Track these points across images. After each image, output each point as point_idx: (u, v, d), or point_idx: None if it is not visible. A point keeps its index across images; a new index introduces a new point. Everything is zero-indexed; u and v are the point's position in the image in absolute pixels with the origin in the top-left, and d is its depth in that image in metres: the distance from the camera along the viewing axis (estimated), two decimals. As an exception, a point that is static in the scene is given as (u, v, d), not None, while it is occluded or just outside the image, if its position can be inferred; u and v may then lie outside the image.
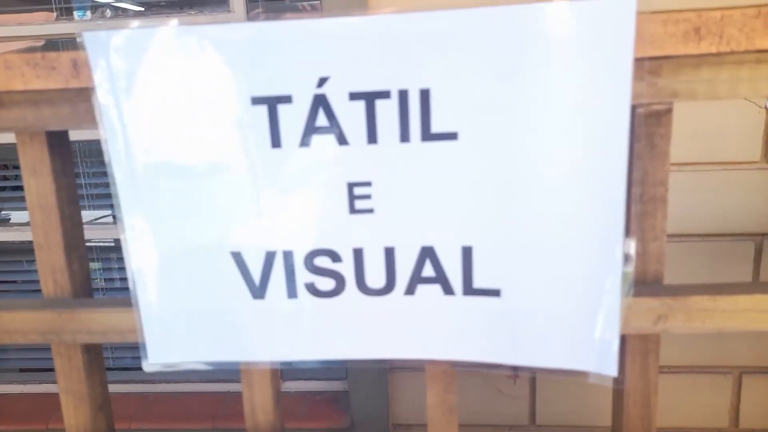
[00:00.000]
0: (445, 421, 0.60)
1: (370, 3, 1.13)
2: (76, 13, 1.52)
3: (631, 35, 0.43)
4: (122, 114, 0.49)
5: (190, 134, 0.50)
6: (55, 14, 1.52)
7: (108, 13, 1.59)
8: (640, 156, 0.52)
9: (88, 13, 1.55)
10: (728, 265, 1.20)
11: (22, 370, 1.59)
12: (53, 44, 1.38)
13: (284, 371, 1.35)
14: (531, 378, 1.33)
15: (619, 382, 0.52)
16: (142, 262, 0.54)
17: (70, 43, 1.37)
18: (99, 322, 0.57)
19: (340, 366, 1.28)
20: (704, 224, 1.18)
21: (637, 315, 0.53)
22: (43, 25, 1.32)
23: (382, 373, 1.25)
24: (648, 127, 0.52)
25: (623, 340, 0.56)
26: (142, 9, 1.56)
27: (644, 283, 0.55)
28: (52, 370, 0.60)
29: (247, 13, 1.24)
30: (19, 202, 1.47)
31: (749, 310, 0.52)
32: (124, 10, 1.59)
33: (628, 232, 0.53)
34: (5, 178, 1.54)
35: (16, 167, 1.39)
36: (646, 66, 0.46)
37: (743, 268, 1.20)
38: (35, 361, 1.54)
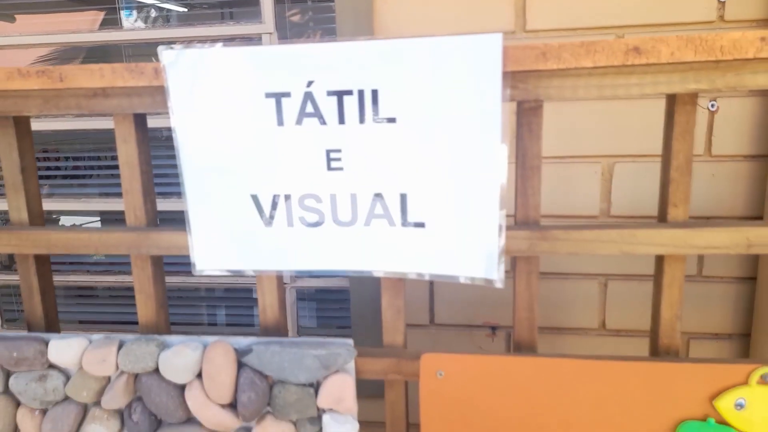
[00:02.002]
0: (394, 319, 0.87)
1: (375, 4, 1.39)
2: (122, 13, 1.76)
3: (499, 57, 0.69)
4: (185, 104, 0.78)
5: (226, 118, 0.78)
6: (102, 14, 1.78)
7: (153, 12, 1.82)
8: (521, 137, 0.78)
9: (134, 12, 1.79)
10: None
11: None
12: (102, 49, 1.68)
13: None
14: (507, 336, 1.59)
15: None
16: (193, 203, 0.82)
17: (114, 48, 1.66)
18: (163, 241, 0.86)
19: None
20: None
21: (518, 242, 0.78)
22: (92, 33, 1.62)
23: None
24: (527, 117, 0.78)
25: (514, 262, 0.82)
26: (185, 9, 1.79)
27: (526, 223, 0.80)
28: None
29: (276, 22, 1.52)
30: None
31: (593, 240, 0.77)
32: (168, 10, 1.84)
33: (516, 192, 0.79)
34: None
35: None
36: (516, 77, 0.72)
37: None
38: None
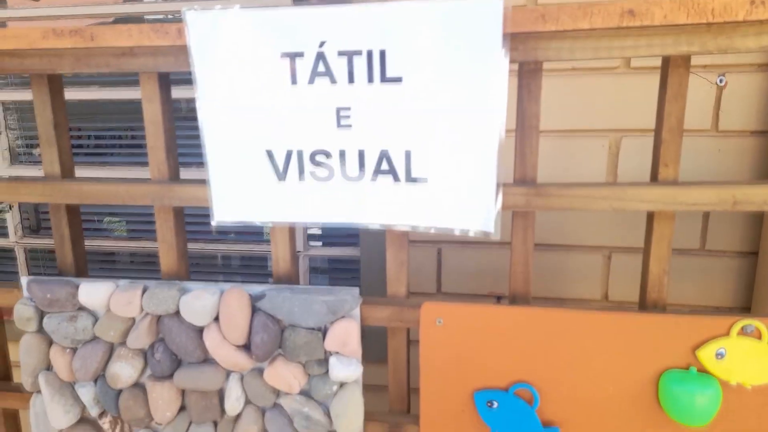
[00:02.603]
0: (397, 271, 0.93)
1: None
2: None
3: (500, 19, 0.73)
4: (205, 63, 0.83)
5: (244, 76, 0.84)
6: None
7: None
8: (521, 99, 0.83)
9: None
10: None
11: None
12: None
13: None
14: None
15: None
16: (213, 158, 0.88)
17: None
18: (185, 193, 0.92)
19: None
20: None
21: (515, 198, 0.83)
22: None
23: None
24: (527, 78, 0.82)
25: (513, 217, 0.87)
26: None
27: (523, 181, 0.85)
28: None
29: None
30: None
31: (586, 196, 0.82)
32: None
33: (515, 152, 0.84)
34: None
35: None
36: (516, 38, 0.76)
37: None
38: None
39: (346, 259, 1.76)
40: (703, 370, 0.81)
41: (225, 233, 1.95)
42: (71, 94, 1.73)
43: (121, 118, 1.89)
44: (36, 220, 2.05)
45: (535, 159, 0.84)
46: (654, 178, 0.83)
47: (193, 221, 1.84)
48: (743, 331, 0.80)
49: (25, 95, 1.84)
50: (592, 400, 0.86)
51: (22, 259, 1.99)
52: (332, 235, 1.81)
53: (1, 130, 1.90)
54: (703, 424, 0.81)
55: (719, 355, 0.80)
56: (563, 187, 0.82)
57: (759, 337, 0.80)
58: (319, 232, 1.82)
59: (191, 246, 1.76)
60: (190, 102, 1.75)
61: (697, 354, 0.81)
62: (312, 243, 1.79)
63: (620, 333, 0.84)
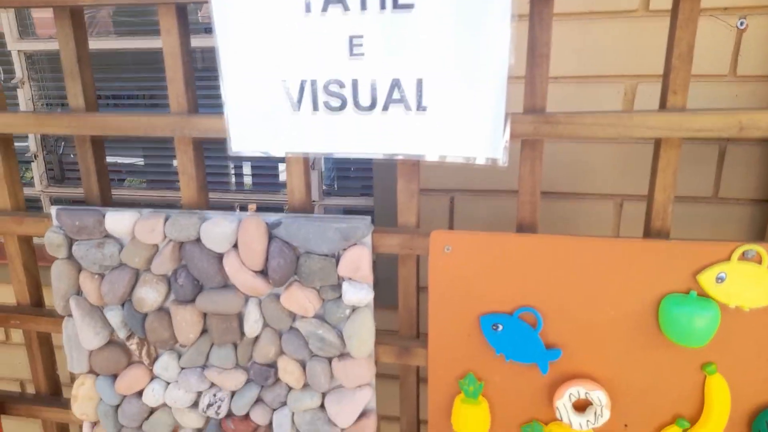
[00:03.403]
0: (408, 201, 0.96)
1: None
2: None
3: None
4: (221, -8, 0.86)
5: (259, 6, 0.86)
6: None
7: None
8: (532, 27, 0.83)
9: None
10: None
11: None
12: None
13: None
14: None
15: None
16: (230, 88, 0.91)
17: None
18: (203, 124, 0.95)
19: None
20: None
21: (524, 126, 0.85)
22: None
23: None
24: (539, 6, 0.82)
25: (521, 147, 0.89)
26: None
27: (533, 110, 0.87)
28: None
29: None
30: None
31: (593, 124, 0.83)
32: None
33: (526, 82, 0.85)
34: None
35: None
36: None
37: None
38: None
39: (361, 209, 1.80)
40: (703, 294, 0.84)
41: (242, 185, 1.99)
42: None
43: (140, 68, 1.92)
44: (60, 170, 2.12)
45: (544, 88, 0.85)
46: (663, 105, 0.84)
47: (212, 171, 1.89)
48: (744, 256, 0.82)
49: (47, 45, 1.88)
50: (594, 324, 0.89)
51: (47, 208, 2.07)
52: (347, 187, 1.85)
53: (25, 80, 1.94)
54: (700, 345, 0.84)
55: (719, 279, 0.83)
56: (571, 115, 0.84)
57: (759, 261, 0.82)
58: (335, 185, 1.85)
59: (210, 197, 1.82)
60: (205, 52, 1.78)
61: (698, 278, 0.84)
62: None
63: (623, 259, 0.86)
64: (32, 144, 2.02)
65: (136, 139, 1.93)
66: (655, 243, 0.85)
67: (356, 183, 1.83)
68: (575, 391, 0.90)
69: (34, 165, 2.06)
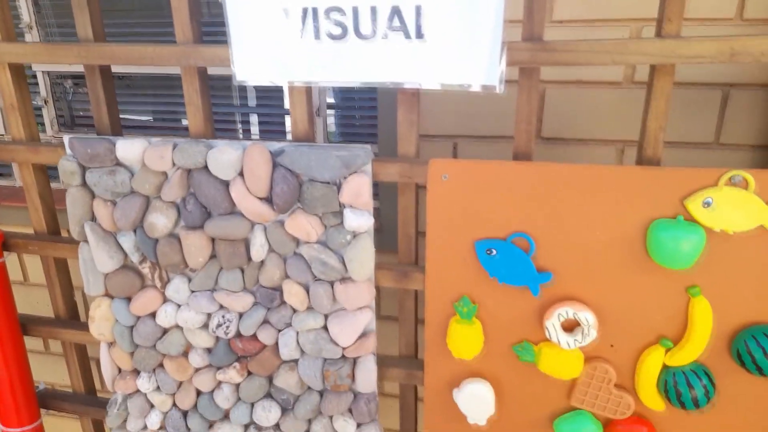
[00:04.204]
0: (407, 131, 0.99)
1: None
2: None
3: None
4: None
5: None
6: None
7: None
8: (531, -48, 0.84)
9: None
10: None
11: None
12: None
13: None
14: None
15: (504, 94, 0.87)
16: (233, 17, 0.93)
17: None
18: (208, 54, 0.98)
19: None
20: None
21: (521, 53, 0.87)
22: None
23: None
24: (537, -69, 0.83)
25: (519, 76, 0.91)
26: None
27: (530, 38, 0.88)
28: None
29: None
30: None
31: (588, 51, 0.85)
32: None
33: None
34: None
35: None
36: None
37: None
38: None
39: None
40: (690, 219, 0.87)
41: (249, 132, 2.02)
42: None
43: (144, 13, 1.92)
44: (70, 116, 2.15)
45: (542, 15, 0.87)
46: (658, 34, 0.85)
47: (219, 119, 1.91)
48: (731, 182, 0.85)
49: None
50: (584, 248, 0.93)
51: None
52: (352, 134, 1.87)
53: (33, 25, 1.95)
54: (685, 267, 0.88)
55: (706, 204, 0.86)
56: (567, 43, 0.85)
57: (746, 187, 0.85)
58: (338, 133, 1.87)
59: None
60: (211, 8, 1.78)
61: (685, 203, 0.87)
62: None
63: (614, 186, 0.89)
64: (42, 90, 2.05)
65: (146, 94, 1.96)
66: (645, 170, 0.88)
67: (361, 131, 1.85)
68: (564, 311, 0.94)
69: (44, 111, 2.09)
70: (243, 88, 1.93)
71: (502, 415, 1.06)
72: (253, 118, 1.99)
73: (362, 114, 1.83)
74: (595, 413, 1.01)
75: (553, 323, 0.95)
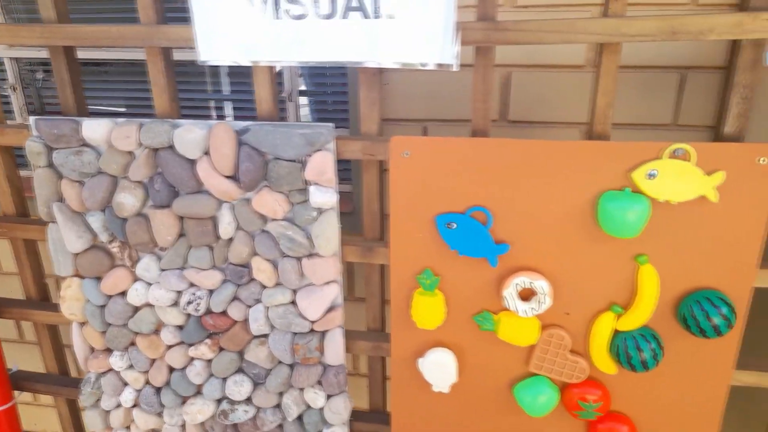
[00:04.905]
0: (369, 110, 1.02)
1: None
2: None
3: None
4: None
5: None
6: None
7: None
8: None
9: None
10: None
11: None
12: None
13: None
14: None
15: (460, 72, 0.91)
16: (197, 1, 0.95)
17: None
18: (172, 34, 0.99)
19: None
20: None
21: (475, 33, 0.90)
22: None
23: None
24: None
25: (475, 55, 0.94)
26: None
27: (484, 18, 0.91)
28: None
29: None
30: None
31: (538, 30, 0.89)
32: None
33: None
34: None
35: None
36: None
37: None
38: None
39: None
40: (636, 190, 0.92)
41: (224, 119, 2.02)
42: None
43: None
44: (39, 103, 2.13)
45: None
46: (605, 14, 0.89)
47: (191, 105, 1.91)
48: (674, 154, 0.90)
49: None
50: (539, 220, 0.98)
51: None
52: (325, 119, 1.88)
53: (-3, 9, 1.93)
54: (632, 236, 0.93)
55: (651, 176, 0.91)
56: (518, 22, 0.89)
57: (687, 159, 0.90)
58: (310, 118, 1.89)
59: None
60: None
61: (631, 175, 0.92)
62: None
63: (566, 160, 0.94)
64: (10, 77, 2.03)
65: (125, 80, 1.95)
66: (594, 144, 0.93)
67: (334, 116, 1.87)
68: (520, 281, 0.99)
69: (13, 98, 2.07)
70: (216, 74, 1.94)
71: (464, 383, 1.10)
72: (228, 109, 2.00)
73: (335, 99, 1.85)
74: (552, 378, 1.06)
75: (510, 292, 1.00)
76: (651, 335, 0.99)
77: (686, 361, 1.01)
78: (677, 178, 0.90)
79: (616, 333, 1.01)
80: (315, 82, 1.85)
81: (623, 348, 0.99)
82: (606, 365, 1.03)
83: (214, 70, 1.95)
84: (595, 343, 1.02)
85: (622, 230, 0.92)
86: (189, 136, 1.00)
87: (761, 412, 1.17)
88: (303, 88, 1.84)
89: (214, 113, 2.02)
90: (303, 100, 1.89)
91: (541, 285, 0.98)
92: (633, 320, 0.98)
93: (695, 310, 0.94)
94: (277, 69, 1.89)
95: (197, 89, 1.92)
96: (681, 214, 0.92)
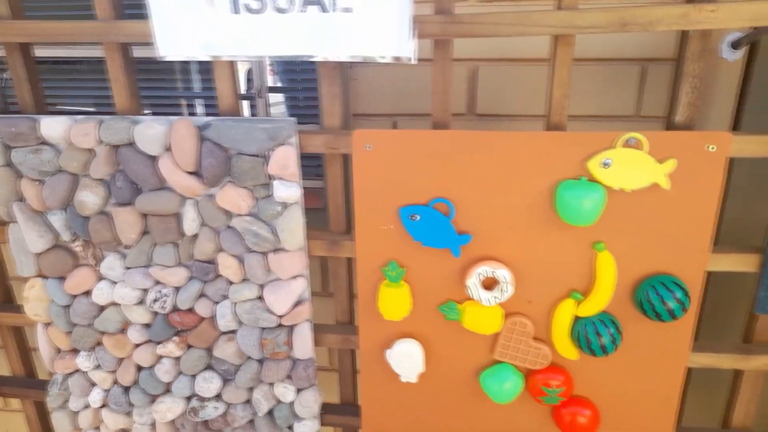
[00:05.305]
0: (331, 104, 1.02)
1: None
2: None
3: None
4: None
5: None
6: None
7: None
8: (438, -73, 0.88)
9: None
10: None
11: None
12: None
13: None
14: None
15: (418, 65, 0.92)
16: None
17: None
18: (129, 29, 0.98)
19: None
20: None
21: (432, 26, 0.91)
22: None
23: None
24: None
25: (433, 48, 0.96)
26: None
27: (441, 11, 0.93)
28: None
29: None
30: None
31: (495, 23, 0.90)
32: None
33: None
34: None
35: None
36: None
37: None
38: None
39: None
40: (592, 179, 0.95)
41: (195, 116, 2.00)
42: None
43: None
44: (3, 102, 2.08)
45: (451, -10, 0.91)
46: (558, 6, 0.91)
47: (162, 102, 1.89)
48: (627, 143, 0.92)
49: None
50: (500, 211, 0.99)
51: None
52: (298, 115, 1.88)
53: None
54: (588, 224, 0.95)
55: (605, 165, 0.93)
56: (474, 15, 0.90)
57: (640, 147, 0.92)
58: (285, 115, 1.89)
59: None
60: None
61: (587, 165, 0.94)
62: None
63: (524, 151, 0.96)
64: (-29, 75, 1.98)
65: (96, 79, 1.92)
66: (550, 135, 0.95)
67: (307, 111, 1.87)
68: (483, 270, 1.01)
69: (-27, 96, 2.02)
70: (187, 71, 1.92)
71: (431, 372, 1.12)
72: (200, 106, 1.99)
73: (306, 95, 1.85)
74: (517, 365, 1.09)
75: (473, 282, 1.01)
76: (610, 320, 1.01)
77: (644, 344, 1.04)
78: (631, 166, 0.93)
79: (577, 319, 1.03)
80: (287, 78, 1.85)
81: (583, 333, 1.02)
82: (568, 351, 1.06)
83: (185, 67, 1.93)
84: (557, 329, 1.04)
85: (579, 218, 0.95)
86: (149, 132, 0.99)
87: (721, 394, 1.22)
88: (271, 84, 1.84)
89: (185, 111, 2.00)
90: (280, 98, 1.89)
91: (503, 274, 1.00)
92: (592, 306, 1.01)
93: (651, 295, 0.97)
94: (240, 66, 1.88)
95: (167, 86, 1.90)
96: (635, 201, 0.95)
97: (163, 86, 1.90)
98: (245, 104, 1.84)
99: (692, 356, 1.06)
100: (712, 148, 0.91)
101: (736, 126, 1.50)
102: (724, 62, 1.47)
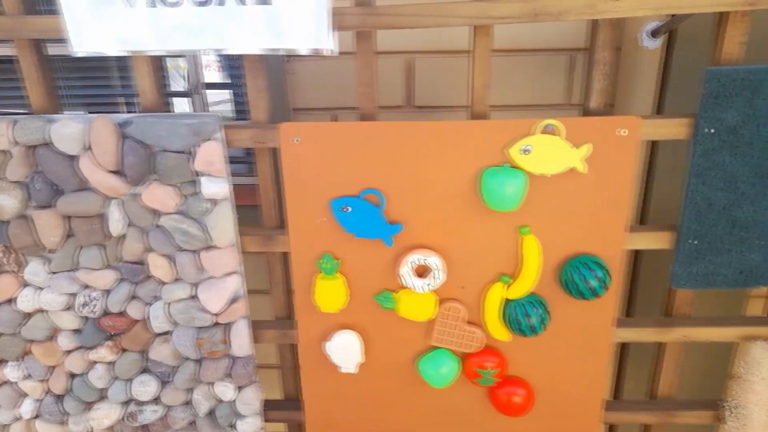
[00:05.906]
0: (257, 98, 1.01)
1: None
2: None
3: None
4: None
5: None
6: None
7: None
8: None
9: None
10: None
11: None
12: None
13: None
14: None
15: (341, 57, 0.92)
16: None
17: None
18: (39, 24, 0.95)
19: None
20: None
21: (353, 18, 0.92)
22: None
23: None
24: None
25: (356, 41, 0.96)
26: None
27: (362, 3, 0.93)
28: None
29: None
30: None
31: (414, 14, 0.92)
32: None
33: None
34: None
35: None
36: None
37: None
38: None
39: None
40: (514, 166, 0.98)
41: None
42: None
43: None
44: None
45: (369, -19, 0.92)
46: (476, -2, 0.93)
47: (98, 102, 1.82)
48: (545, 130, 0.96)
49: None
50: (428, 199, 1.01)
51: None
52: (245, 111, 1.85)
53: None
54: (511, 208, 0.98)
55: (525, 151, 0.96)
56: (394, 7, 0.91)
57: (557, 134, 0.96)
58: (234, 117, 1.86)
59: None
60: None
61: (508, 152, 0.97)
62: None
63: (449, 139, 0.98)
64: None
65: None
66: (473, 123, 0.97)
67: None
68: (414, 258, 1.02)
69: None
70: (124, 68, 1.86)
71: (370, 362, 1.13)
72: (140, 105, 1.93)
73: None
74: (453, 350, 1.11)
75: (406, 270, 1.03)
76: (538, 301, 1.05)
77: (571, 322, 1.09)
78: (549, 152, 0.96)
79: (507, 302, 1.06)
80: (235, 74, 1.82)
81: (514, 315, 1.05)
82: (500, 333, 1.09)
83: (122, 64, 1.87)
84: (488, 312, 1.07)
85: (503, 204, 0.98)
86: (66, 131, 0.96)
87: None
88: (219, 81, 1.80)
89: (124, 110, 1.94)
90: (227, 95, 1.86)
91: (435, 261, 1.02)
92: (520, 288, 1.05)
93: (574, 275, 1.01)
94: (181, 63, 1.84)
95: (103, 84, 1.83)
96: (556, 185, 0.99)
97: (101, 84, 1.83)
98: (185, 101, 1.80)
99: (618, 332, 1.12)
100: (624, 132, 0.95)
101: (659, 111, 1.57)
102: (646, 50, 1.54)
